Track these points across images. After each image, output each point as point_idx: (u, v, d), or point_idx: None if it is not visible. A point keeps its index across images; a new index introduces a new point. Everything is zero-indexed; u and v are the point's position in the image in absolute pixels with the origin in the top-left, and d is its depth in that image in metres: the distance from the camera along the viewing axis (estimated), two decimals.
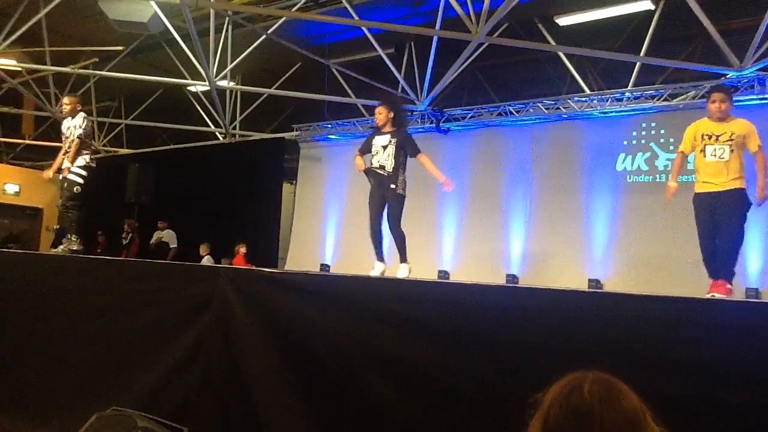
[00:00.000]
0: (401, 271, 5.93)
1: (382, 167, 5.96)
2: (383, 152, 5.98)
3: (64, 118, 7.36)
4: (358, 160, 6.19)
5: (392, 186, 5.90)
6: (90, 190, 7.19)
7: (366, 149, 6.23)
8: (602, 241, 9.73)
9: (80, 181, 6.97)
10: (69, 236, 7.11)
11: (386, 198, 5.96)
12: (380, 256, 6.18)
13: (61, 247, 7.12)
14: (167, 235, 13.01)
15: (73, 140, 6.99)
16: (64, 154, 7.14)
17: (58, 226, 13.94)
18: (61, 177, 7.07)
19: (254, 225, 13.38)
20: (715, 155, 4.96)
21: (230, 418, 3.77)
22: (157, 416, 3.74)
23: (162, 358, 4.20)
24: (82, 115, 7.14)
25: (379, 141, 6.05)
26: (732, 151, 4.92)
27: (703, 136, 5.06)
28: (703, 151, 5.04)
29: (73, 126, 7.06)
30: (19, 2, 10.33)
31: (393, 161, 5.92)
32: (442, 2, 8.63)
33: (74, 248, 6.95)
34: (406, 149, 6.01)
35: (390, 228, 5.98)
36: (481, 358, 3.00)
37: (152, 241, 13.04)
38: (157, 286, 4.59)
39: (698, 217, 5.07)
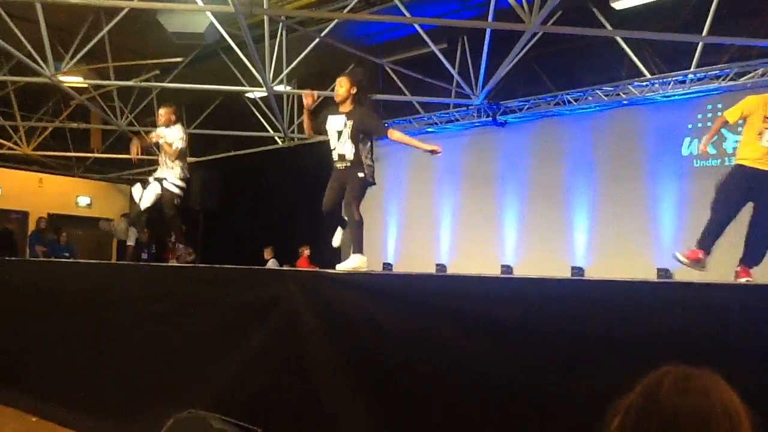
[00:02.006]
0: (350, 261, 4.79)
1: (341, 156, 4.97)
2: (338, 138, 4.97)
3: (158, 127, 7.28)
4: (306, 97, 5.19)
5: (358, 174, 4.93)
6: None
7: (317, 128, 5.27)
8: (670, 229, 9.48)
9: (179, 193, 6.92)
10: (177, 246, 7.14)
11: (346, 185, 4.97)
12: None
13: (174, 260, 7.10)
14: (126, 233, 13.18)
15: (175, 150, 6.87)
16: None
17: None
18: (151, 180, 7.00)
19: (316, 227, 13.48)
20: None
21: (300, 417, 3.84)
22: (230, 417, 3.84)
23: (233, 360, 4.30)
24: (179, 126, 7.11)
25: (333, 124, 5.03)
26: None
27: (765, 118, 4.75)
28: (761, 134, 4.74)
29: (171, 136, 6.96)
30: (83, 21, 10.72)
31: (353, 148, 4.93)
32: None
33: (189, 259, 6.99)
34: (368, 130, 5.00)
35: (346, 213, 5.00)
36: (548, 354, 2.96)
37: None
38: (225, 291, 4.70)
39: (734, 185, 4.81)
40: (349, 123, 4.93)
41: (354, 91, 4.99)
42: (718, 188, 4.87)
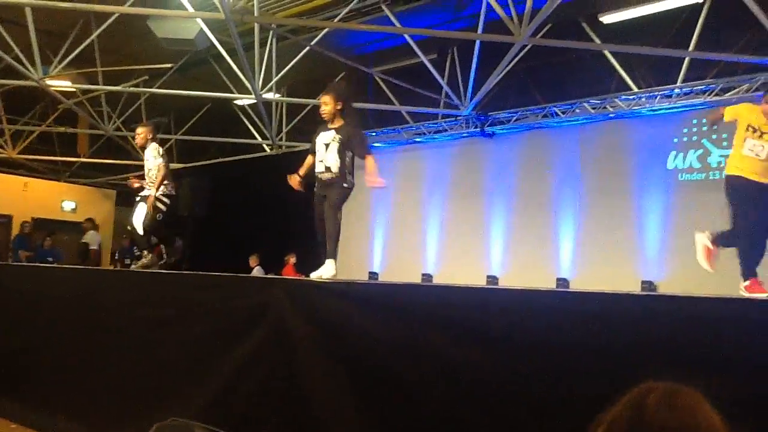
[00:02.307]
0: (324, 269, 4.99)
1: (327, 168, 5.11)
2: (326, 151, 5.11)
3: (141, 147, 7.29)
4: (291, 179, 5.44)
5: (344, 185, 5.10)
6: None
7: (312, 149, 5.34)
8: (655, 241, 9.55)
9: (163, 208, 6.91)
10: (141, 252, 7.17)
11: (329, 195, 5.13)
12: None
13: (136, 263, 7.18)
14: (89, 237, 13.13)
15: (158, 168, 6.90)
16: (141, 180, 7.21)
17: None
18: (137, 200, 7.10)
19: (302, 235, 13.46)
20: (753, 151, 4.77)
21: (289, 424, 3.83)
22: (217, 426, 3.82)
23: (220, 369, 4.29)
24: (154, 145, 7.09)
25: (322, 137, 5.17)
26: None
27: (748, 126, 4.85)
28: (744, 141, 4.83)
29: (152, 162, 6.99)
30: (72, 26, 10.69)
31: (338, 161, 5.06)
32: (484, 5, 8.60)
33: (147, 262, 6.97)
34: (351, 149, 5.13)
35: (326, 216, 5.12)
36: (534, 364, 2.98)
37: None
38: (213, 298, 4.69)
39: (740, 196, 4.86)
40: (337, 137, 5.09)
41: (339, 106, 5.16)
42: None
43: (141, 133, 7.18)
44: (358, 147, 5.17)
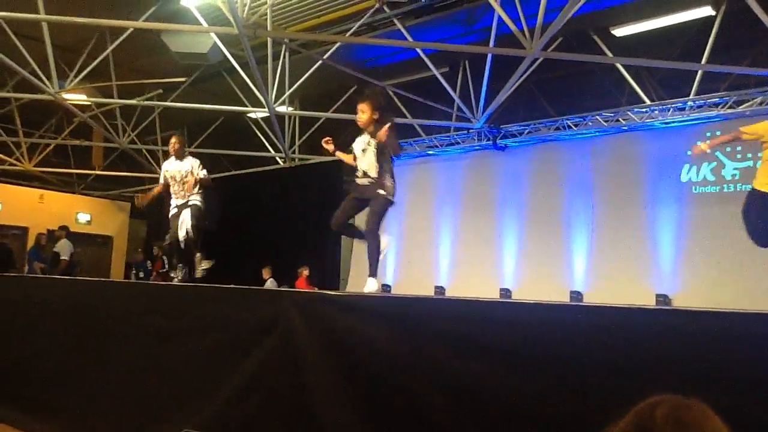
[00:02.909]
0: (369, 285, 4.95)
1: (364, 173, 5.09)
2: (363, 156, 5.11)
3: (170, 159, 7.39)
4: (326, 142, 5.46)
5: (379, 191, 5.02)
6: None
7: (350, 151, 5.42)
8: (669, 255, 9.48)
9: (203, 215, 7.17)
10: (181, 266, 7.20)
11: (368, 202, 5.10)
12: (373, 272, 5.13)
13: (179, 275, 7.19)
14: (60, 246, 13.05)
15: (195, 180, 7.07)
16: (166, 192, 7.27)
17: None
18: (175, 211, 7.16)
19: (315, 247, 13.53)
20: None
21: None
22: None
23: (229, 381, 4.28)
24: (191, 156, 7.29)
25: (358, 143, 5.19)
26: None
27: None
28: None
29: (194, 165, 7.18)
30: (88, 40, 10.82)
31: (376, 165, 5.03)
32: (496, 19, 8.62)
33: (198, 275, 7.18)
34: (386, 146, 5.06)
35: (365, 232, 5.10)
36: (543, 378, 2.95)
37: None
38: (222, 310, 4.69)
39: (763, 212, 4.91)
40: (373, 142, 5.04)
41: (376, 116, 5.07)
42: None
43: (177, 142, 7.28)
44: (392, 144, 5.04)
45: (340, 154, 5.56)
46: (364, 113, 5.07)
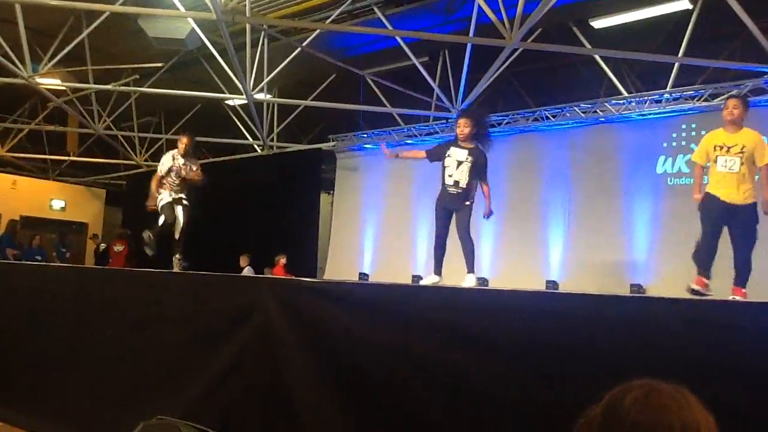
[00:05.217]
0: (468, 281, 5.67)
1: (456, 183, 5.69)
2: (458, 168, 5.70)
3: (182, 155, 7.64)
4: (406, 153, 6.18)
5: (466, 203, 5.71)
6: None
7: (435, 157, 5.96)
8: (643, 245, 9.59)
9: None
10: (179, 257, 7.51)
11: (455, 211, 5.78)
12: (439, 270, 5.96)
13: (177, 267, 7.45)
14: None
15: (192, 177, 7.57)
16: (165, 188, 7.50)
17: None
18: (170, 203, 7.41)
19: (293, 235, 13.49)
20: (725, 166, 5.01)
21: (273, 427, 3.82)
22: (202, 425, 3.80)
23: (206, 368, 4.27)
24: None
25: (455, 154, 5.75)
26: (743, 163, 4.96)
27: (715, 147, 5.11)
28: (715, 161, 5.09)
29: (196, 165, 7.65)
30: (63, 24, 10.64)
31: (468, 178, 5.67)
32: (476, 9, 8.63)
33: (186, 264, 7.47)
34: (477, 171, 5.75)
35: (461, 237, 5.79)
36: (521, 366, 2.99)
37: None
38: (199, 298, 4.67)
39: (707, 216, 5.09)
40: (470, 159, 5.68)
41: (474, 131, 5.74)
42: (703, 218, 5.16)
43: (188, 142, 7.60)
44: (483, 173, 5.80)
45: (406, 153, 6.42)
46: (467, 127, 5.72)
